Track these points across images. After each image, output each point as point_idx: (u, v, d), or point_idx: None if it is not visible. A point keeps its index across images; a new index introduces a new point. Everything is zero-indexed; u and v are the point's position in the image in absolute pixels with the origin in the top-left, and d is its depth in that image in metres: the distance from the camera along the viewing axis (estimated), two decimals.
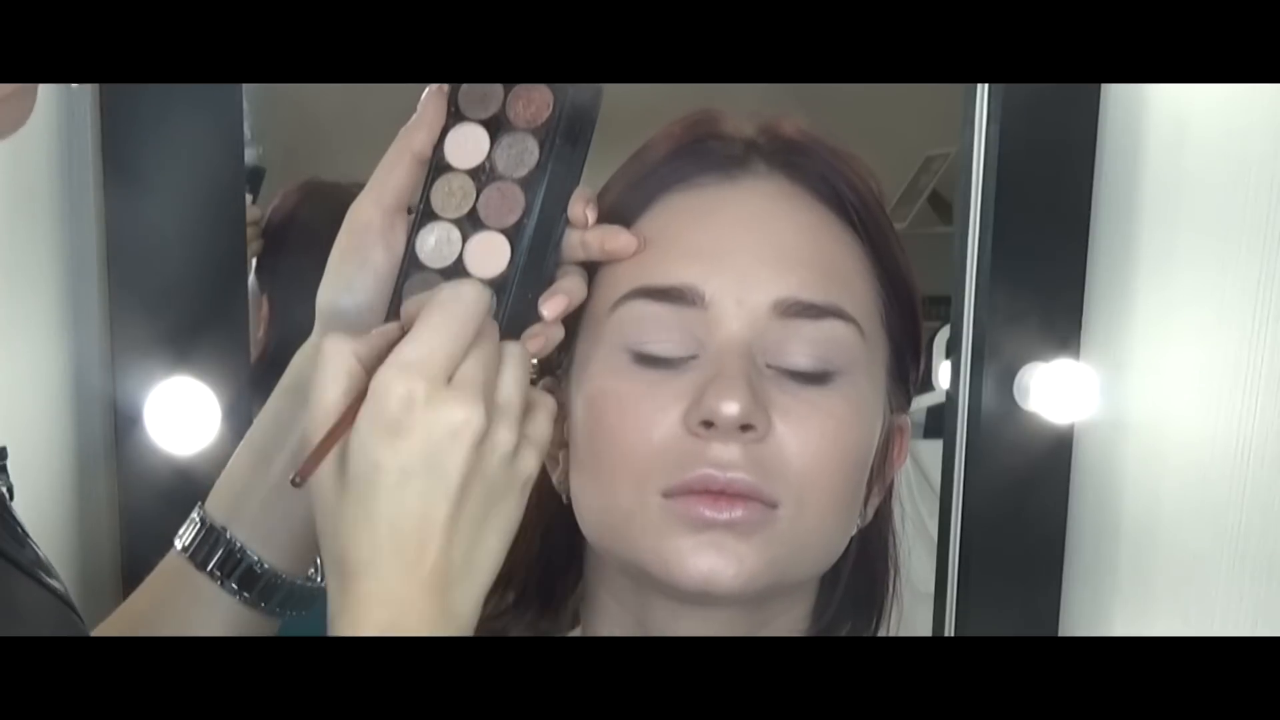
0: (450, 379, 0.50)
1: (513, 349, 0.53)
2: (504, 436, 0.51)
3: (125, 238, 0.91)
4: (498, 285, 0.57)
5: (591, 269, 0.61)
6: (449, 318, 0.51)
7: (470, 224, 0.58)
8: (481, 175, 0.58)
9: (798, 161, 0.61)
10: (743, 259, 0.57)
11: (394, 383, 0.49)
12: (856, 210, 0.60)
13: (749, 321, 0.56)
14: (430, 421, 0.49)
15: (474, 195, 0.58)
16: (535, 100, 0.58)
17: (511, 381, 0.52)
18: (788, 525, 0.55)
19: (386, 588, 0.49)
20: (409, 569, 0.49)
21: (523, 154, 0.58)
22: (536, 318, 0.58)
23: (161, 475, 0.91)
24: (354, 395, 0.50)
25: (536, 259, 0.58)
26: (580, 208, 0.59)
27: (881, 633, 0.68)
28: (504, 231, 0.58)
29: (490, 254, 0.58)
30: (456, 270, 0.58)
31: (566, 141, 0.58)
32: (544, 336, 0.58)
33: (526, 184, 0.58)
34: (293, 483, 0.50)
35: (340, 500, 0.50)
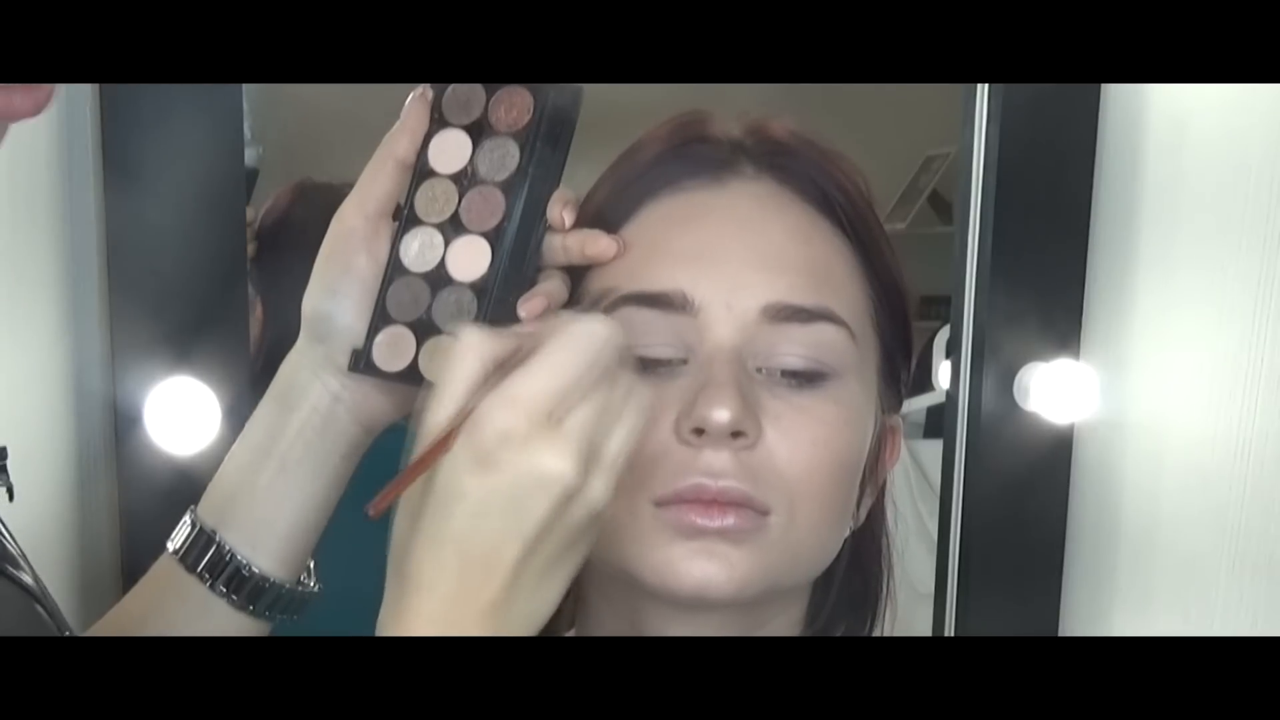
0: (559, 420, 0.47)
1: (637, 398, 0.49)
2: (598, 492, 0.48)
3: (125, 238, 0.91)
4: (479, 288, 0.58)
5: (582, 274, 0.61)
6: (572, 355, 0.47)
7: (453, 228, 0.59)
8: (464, 180, 0.59)
9: (785, 163, 0.60)
10: (731, 263, 0.57)
11: (494, 414, 0.46)
12: (844, 211, 0.60)
13: (739, 326, 0.56)
14: (522, 463, 0.46)
15: (456, 200, 0.59)
16: (516, 104, 0.58)
17: (625, 435, 0.49)
18: (780, 532, 0.55)
19: (441, 610, 0.47)
20: (468, 597, 0.47)
21: (504, 158, 0.58)
22: (517, 321, 0.58)
23: (161, 475, 0.91)
24: (453, 423, 0.47)
25: (517, 262, 0.58)
26: (558, 210, 0.59)
27: (876, 633, 0.68)
28: (485, 235, 0.58)
29: (472, 257, 0.58)
30: (439, 274, 0.58)
31: (547, 145, 0.58)
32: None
33: (507, 187, 0.58)
34: (366, 514, 0.48)
35: (418, 513, 0.48)
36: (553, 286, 0.59)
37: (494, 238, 0.58)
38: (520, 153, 0.58)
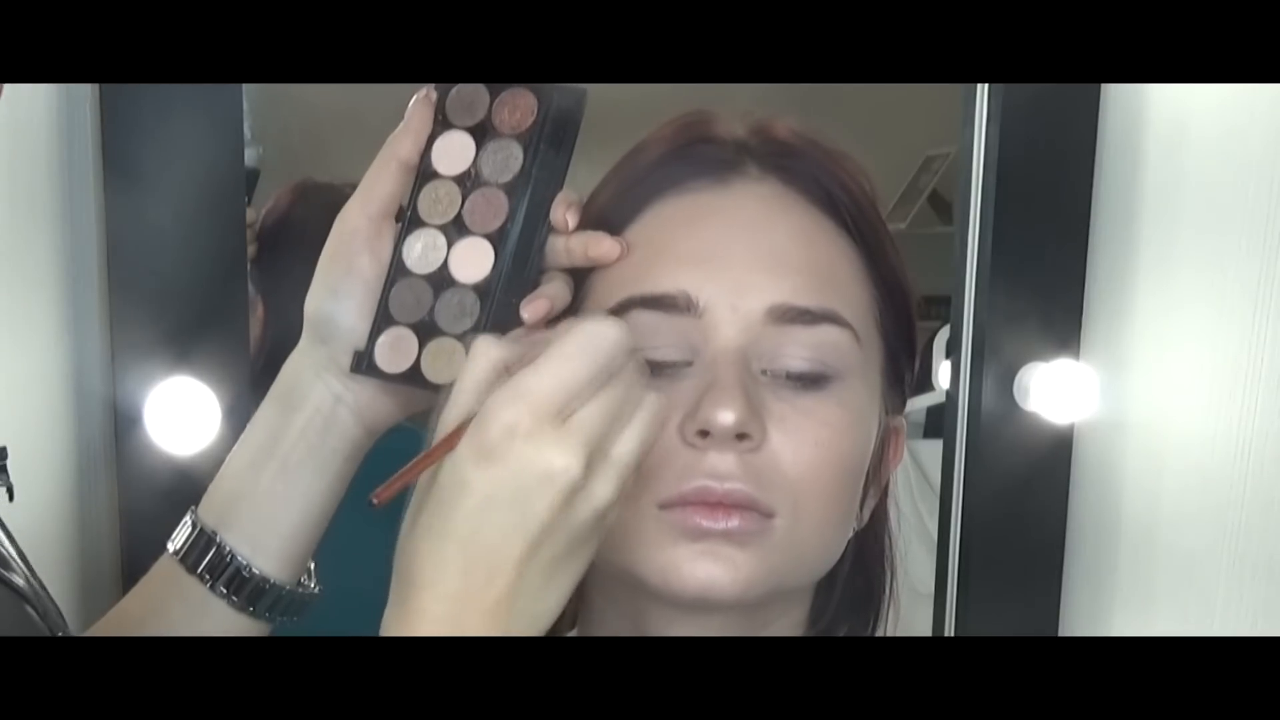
0: (566, 417, 0.47)
1: (649, 404, 0.50)
2: (602, 492, 0.48)
3: (125, 238, 0.91)
4: (481, 290, 0.58)
5: (585, 276, 0.61)
6: (581, 353, 0.48)
7: (456, 229, 0.59)
8: (467, 181, 0.59)
9: (790, 164, 0.60)
10: (736, 265, 0.57)
11: (501, 409, 0.47)
12: (849, 212, 0.60)
13: (743, 328, 0.56)
14: (526, 457, 0.46)
15: (459, 201, 0.59)
16: (520, 106, 0.59)
17: (633, 438, 0.49)
18: (784, 533, 0.55)
19: (445, 609, 0.47)
20: (472, 596, 0.47)
21: (508, 160, 0.58)
22: (519, 323, 0.58)
23: (161, 475, 0.91)
24: (463, 420, 0.48)
25: (520, 264, 0.58)
26: (561, 211, 0.59)
27: (878, 634, 0.68)
28: (488, 236, 0.58)
29: (474, 259, 0.58)
30: (441, 276, 0.59)
31: (550, 147, 0.58)
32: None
33: (511, 189, 0.58)
34: (370, 502, 0.48)
35: (421, 509, 0.48)
36: (556, 289, 0.59)
37: (497, 239, 0.58)
38: (524, 155, 0.58)
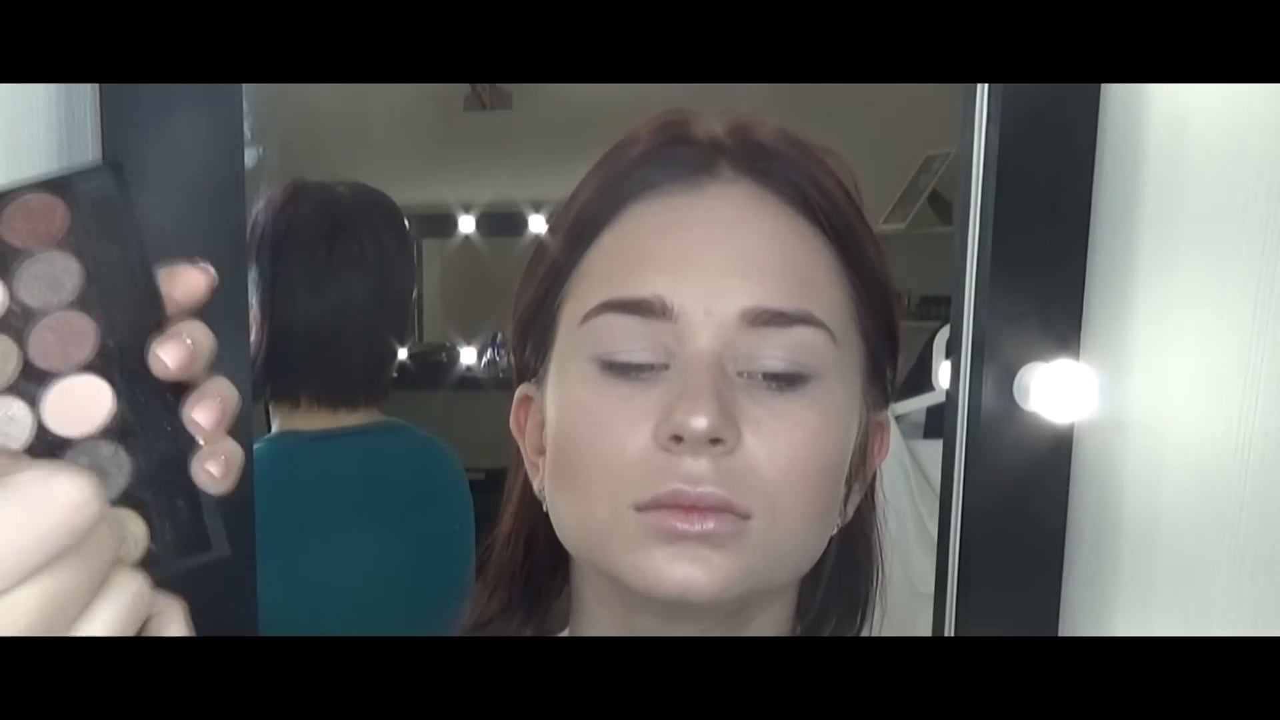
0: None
1: (122, 587, 0.39)
2: None
3: None
4: (116, 432, 0.44)
5: (564, 278, 0.60)
6: (19, 511, 0.35)
7: (32, 382, 0.44)
8: (14, 321, 0.44)
9: (764, 165, 0.60)
10: (710, 269, 0.57)
11: None
12: (824, 211, 0.60)
13: (717, 332, 0.56)
14: None
15: (17, 347, 0.44)
16: (39, 213, 0.45)
17: (100, 630, 0.39)
18: (761, 535, 0.55)
19: None
20: None
21: (58, 275, 0.45)
22: (186, 444, 0.45)
23: None
24: None
25: (147, 383, 0.45)
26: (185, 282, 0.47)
27: (866, 629, 0.68)
28: (89, 368, 0.45)
29: (83, 402, 0.44)
30: (43, 442, 0.44)
31: (110, 241, 0.46)
32: (223, 455, 0.45)
33: (86, 303, 0.45)
34: None
35: None
36: (217, 385, 0.47)
37: (102, 365, 0.45)
38: (79, 260, 0.45)
